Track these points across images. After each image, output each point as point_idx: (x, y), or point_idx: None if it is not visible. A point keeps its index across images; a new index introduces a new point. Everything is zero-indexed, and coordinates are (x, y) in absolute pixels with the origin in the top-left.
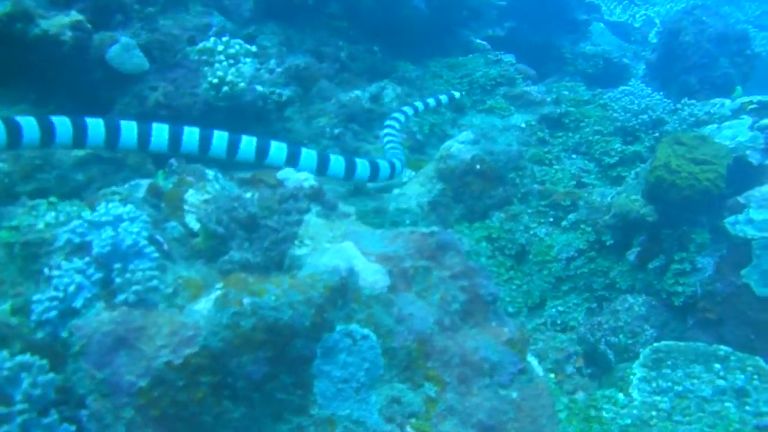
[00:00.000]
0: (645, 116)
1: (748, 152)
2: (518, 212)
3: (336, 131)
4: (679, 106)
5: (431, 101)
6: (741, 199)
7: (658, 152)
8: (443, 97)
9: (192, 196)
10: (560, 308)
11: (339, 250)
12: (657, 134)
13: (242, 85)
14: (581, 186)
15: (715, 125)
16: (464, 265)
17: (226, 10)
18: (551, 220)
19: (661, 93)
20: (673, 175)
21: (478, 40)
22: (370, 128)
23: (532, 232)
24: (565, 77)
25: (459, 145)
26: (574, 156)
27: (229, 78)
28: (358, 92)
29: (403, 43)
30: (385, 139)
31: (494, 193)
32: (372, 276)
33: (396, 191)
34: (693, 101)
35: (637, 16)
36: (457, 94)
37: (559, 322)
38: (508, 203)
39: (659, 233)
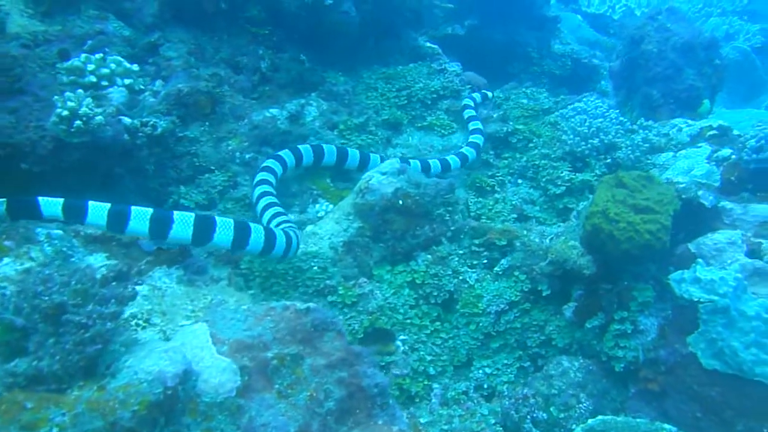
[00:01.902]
0: (596, 140)
1: (700, 193)
2: (447, 254)
3: (247, 156)
4: (635, 126)
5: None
6: (692, 247)
7: (597, 196)
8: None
9: (7, 266)
10: (488, 370)
11: (175, 347)
12: (609, 160)
13: (99, 118)
14: (523, 219)
15: (671, 153)
16: (345, 351)
17: (126, 14)
18: (485, 262)
19: (618, 110)
20: (611, 224)
21: (428, 44)
22: None
23: (461, 277)
24: (529, 80)
25: (380, 177)
26: (520, 181)
27: (83, 110)
28: (274, 111)
29: (336, 51)
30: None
31: (420, 231)
32: (218, 376)
33: (309, 228)
34: (650, 122)
35: (617, 7)
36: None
37: (486, 386)
38: (436, 243)
39: (598, 288)
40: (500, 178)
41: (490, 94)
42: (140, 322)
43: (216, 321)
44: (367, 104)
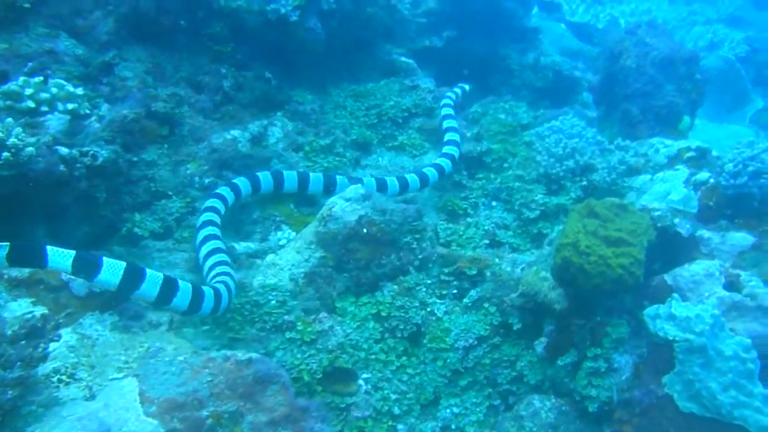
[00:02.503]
0: (571, 162)
1: (676, 221)
2: (414, 284)
3: (206, 181)
4: (611, 146)
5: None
6: (668, 278)
7: (568, 226)
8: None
9: None
10: (456, 409)
11: (93, 412)
12: (584, 182)
13: (30, 149)
14: (496, 245)
15: (648, 176)
16: (290, 406)
17: (79, 31)
18: (455, 292)
19: (596, 128)
20: (581, 257)
21: (402, 58)
22: None
23: (429, 309)
24: (509, 93)
25: (343, 204)
26: (494, 204)
27: (12, 141)
28: (236, 132)
29: (303, 68)
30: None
31: (386, 260)
32: None
33: (269, 258)
34: (627, 142)
35: (601, 16)
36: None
37: (453, 426)
38: (403, 273)
39: (570, 323)
40: (473, 200)
41: (467, 87)
42: (63, 377)
43: (148, 375)
44: (336, 123)
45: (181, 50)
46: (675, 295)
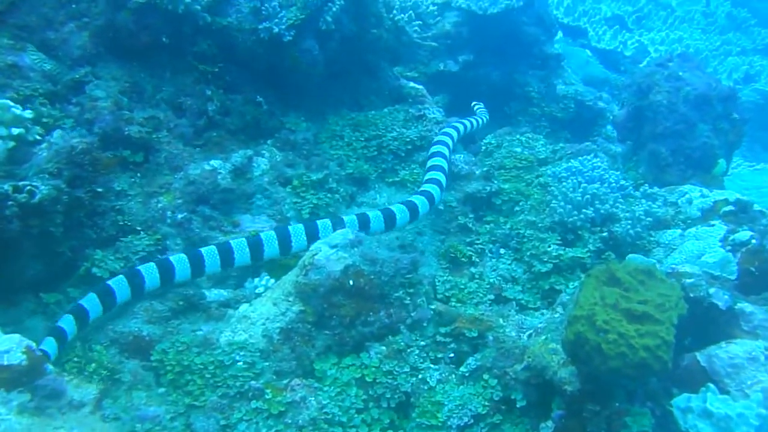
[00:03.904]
0: (590, 210)
1: (712, 291)
2: (405, 346)
3: (179, 216)
4: (636, 193)
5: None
6: (701, 359)
7: (583, 294)
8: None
9: None
10: None
11: None
12: (605, 234)
13: None
14: (502, 301)
15: (678, 231)
16: None
17: (50, 45)
18: (451, 355)
19: (619, 166)
20: (598, 335)
21: (411, 84)
22: (230, 211)
23: (421, 376)
24: (527, 122)
25: (328, 251)
26: (502, 251)
27: None
28: (216, 162)
29: (299, 92)
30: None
31: (374, 318)
32: None
33: (242, 309)
34: (654, 189)
35: (629, 43)
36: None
37: None
38: (393, 332)
39: (582, 408)
40: (480, 246)
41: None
42: None
43: None
44: (331, 155)
45: (163, 69)
46: (711, 385)
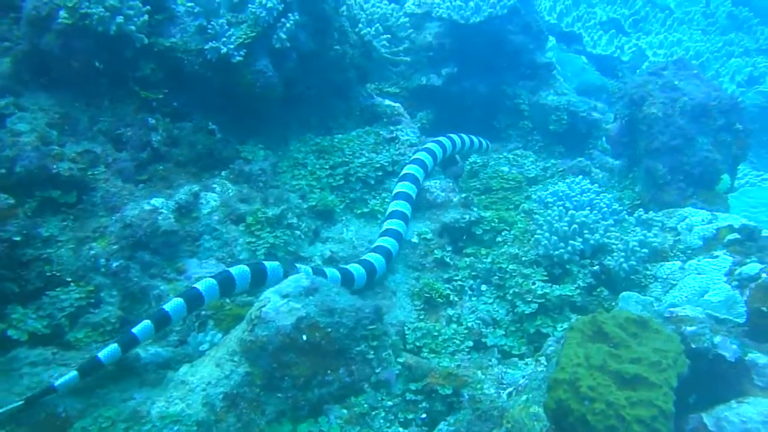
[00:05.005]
0: (578, 242)
1: (717, 340)
2: (370, 408)
3: (114, 264)
4: (631, 218)
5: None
6: (708, 421)
7: (564, 353)
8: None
9: None
10: None
11: None
12: (596, 267)
13: None
14: (482, 348)
15: (678, 263)
16: None
17: None
18: (423, 416)
19: (615, 185)
20: (582, 404)
21: (387, 102)
22: (173, 255)
23: None
24: (518, 137)
25: (278, 301)
26: (484, 287)
27: None
28: (158, 201)
29: (258, 117)
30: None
31: (332, 377)
32: None
33: (181, 371)
34: (651, 215)
35: (626, 47)
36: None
37: None
38: (355, 392)
39: None
40: (459, 282)
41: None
42: None
43: None
44: (292, 186)
45: (101, 97)
46: None
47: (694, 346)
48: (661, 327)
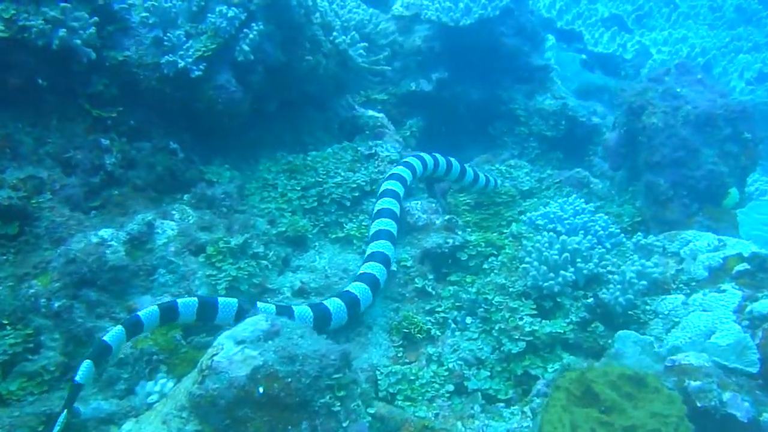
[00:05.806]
0: (570, 272)
1: (727, 397)
2: None
3: (56, 304)
4: (628, 242)
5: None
6: None
7: (546, 419)
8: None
9: None
10: None
11: None
12: (590, 300)
13: None
14: (463, 393)
15: (681, 297)
16: None
17: None
18: None
19: (616, 200)
20: None
21: (370, 112)
22: (123, 292)
23: None
24: (514, 143)
25: (232, 349)
26: (469, 320)
27: None
28: (106, 232)
29: (225, 133)
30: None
31: None
32: None
33: (125, 427)
34: (651, 239)
35: (629, 45)
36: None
37: None
38: None
39: None
40: (442, 314)
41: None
42: None
43: None
44: (261, 209)
45: (48, 116)
46: None
47: (699, 404)
48: (660, 384)
